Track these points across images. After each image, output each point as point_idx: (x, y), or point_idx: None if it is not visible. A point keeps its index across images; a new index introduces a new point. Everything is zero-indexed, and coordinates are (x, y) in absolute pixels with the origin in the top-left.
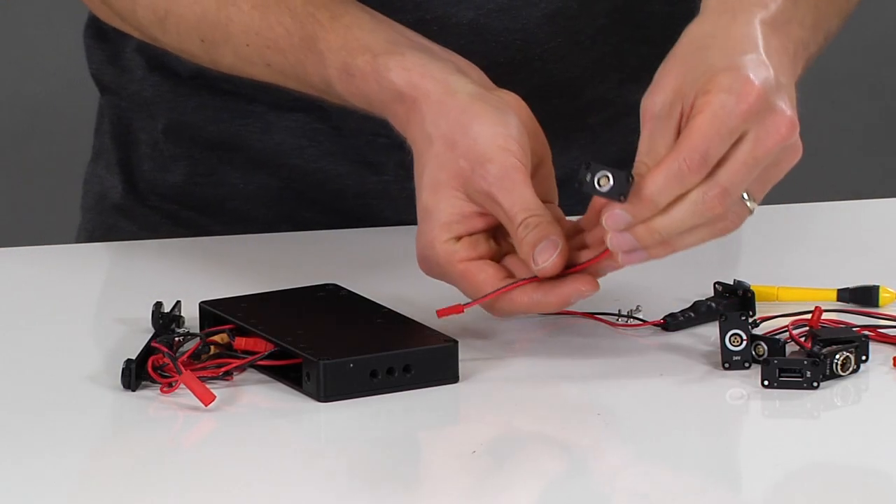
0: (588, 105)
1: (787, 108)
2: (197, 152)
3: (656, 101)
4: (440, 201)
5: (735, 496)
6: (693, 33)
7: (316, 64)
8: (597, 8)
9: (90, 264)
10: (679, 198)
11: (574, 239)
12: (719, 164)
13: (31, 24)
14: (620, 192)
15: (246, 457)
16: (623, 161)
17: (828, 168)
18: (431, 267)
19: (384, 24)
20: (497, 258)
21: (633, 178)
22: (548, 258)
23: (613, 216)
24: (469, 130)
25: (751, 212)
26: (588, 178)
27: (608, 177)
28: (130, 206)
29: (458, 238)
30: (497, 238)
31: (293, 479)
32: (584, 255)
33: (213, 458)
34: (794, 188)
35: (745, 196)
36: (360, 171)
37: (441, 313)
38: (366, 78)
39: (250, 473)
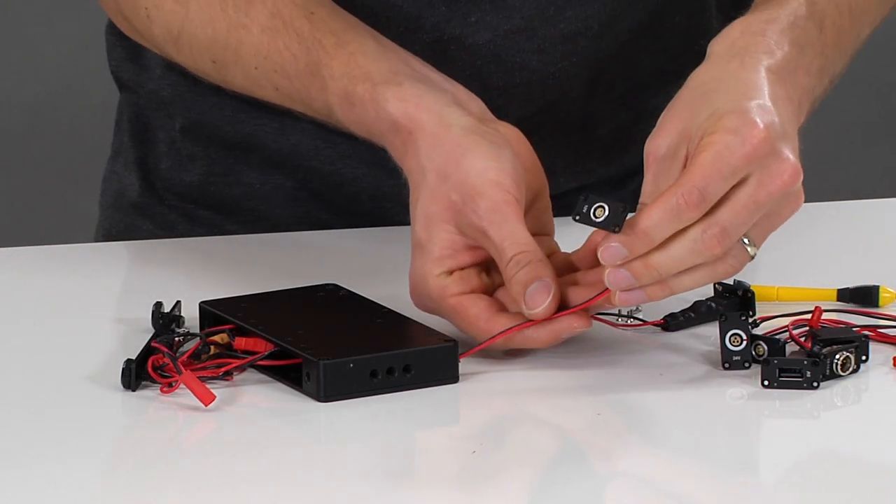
0: (596, 113)
1: (791, 154)
2: (213, 152)
3: (661, 143)
4: (432, 235)
5: (735, 496)
6: (699, 78)
7: (319, 90)
8: (619, 27)
9: (88, 265)
10: (678, 235)
11: (566, 275)
12: (720, 204)
13: (32, 23)
14: (615, 223)
15: (246, 457)
16: (638, 170)
17: (828, 168)
18: (424, 301)
19: (389, 52)
20: (489, 291)
21: (628, 208)
22: (541, 303)
23: (609, 249)
24: (461, 164)
25: (751, 257)
26: (585, 209)
27: (604, 207)
28: (147, 204)
29: (450, 272)
30: (489, 271)
31: (293, 479)
32: (576, 292)
33: (213, 458)
34: None
35: (746, 241)
36: (376, 174)
37: None
38: (365, 107)
39: (250, 473)
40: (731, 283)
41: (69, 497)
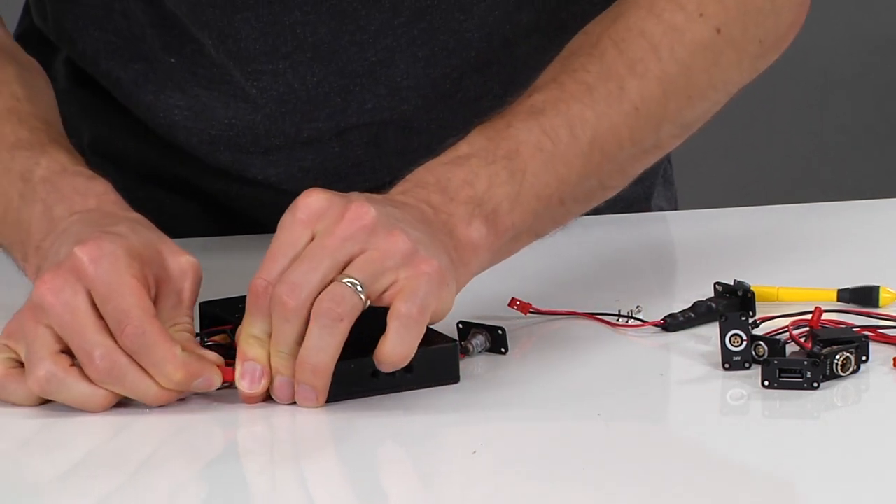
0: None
1: (352, 205)
2: (122, 168)
3: None
4: None
5: (735, 497)
6: None
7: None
8: (528, 79)
9: None
10: None
11: None
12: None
13: None
14: (502, 345)
15: (246, 457)
16: None
17: (828, 168)
18: None
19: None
20: None
21: (503, 330)
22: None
23: (247, 373)
24: None
25: (363, 301)
26: (464, 338)
27: (483, 337)
28: None
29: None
30: None
31: (293, 479)
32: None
33: (213, 459)
34: (794, 188)
35: (355, 285)
36: (283, 201)
37: None
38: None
39: (250, 474)
40: (731, 283)
41: (65, 494)
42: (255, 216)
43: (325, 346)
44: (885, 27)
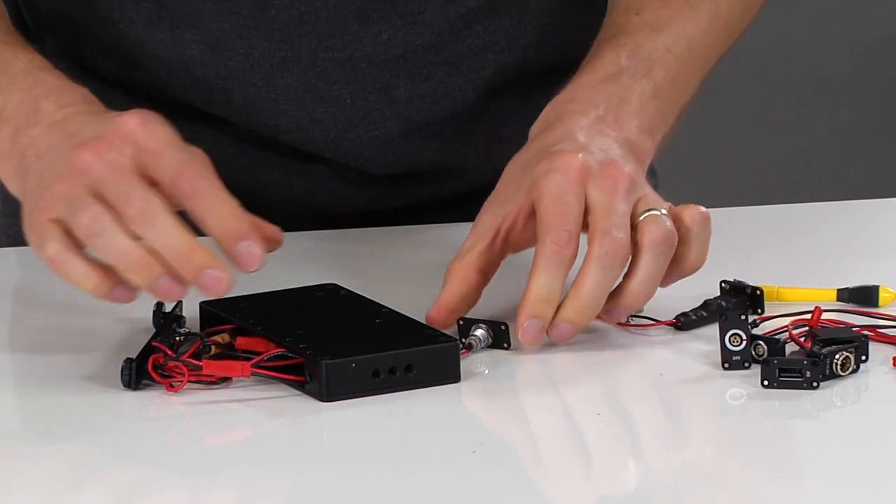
0: (498, 115)
1: (609, 157)
2: None
3: (484, 218)
4: None
5: (734, 496)
6: (517, 160)
7: None
8: (526, 40)
9: None
10: (583, 270)
11: None
12: (593, 223)
13: None
14: (505, 340)
15: (247, 457)
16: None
17: (828, 168)
18: None
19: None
20: None
21: (506, 325)
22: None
23: (527, 331)
24: None
25: (668, 221)
26: (466, 334)
27: (484, 331)
28: None
29: None
30: None
31: (294, 479)
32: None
33: (214, 459)
34: (793, 188)
35: (662, 213)
36: (287, 180)
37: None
38: None
39: (251, 474)
40: (733, 282)
41: (68, 495)
42: (258, 203)
43: (660, 271)
44: (884, 27)
